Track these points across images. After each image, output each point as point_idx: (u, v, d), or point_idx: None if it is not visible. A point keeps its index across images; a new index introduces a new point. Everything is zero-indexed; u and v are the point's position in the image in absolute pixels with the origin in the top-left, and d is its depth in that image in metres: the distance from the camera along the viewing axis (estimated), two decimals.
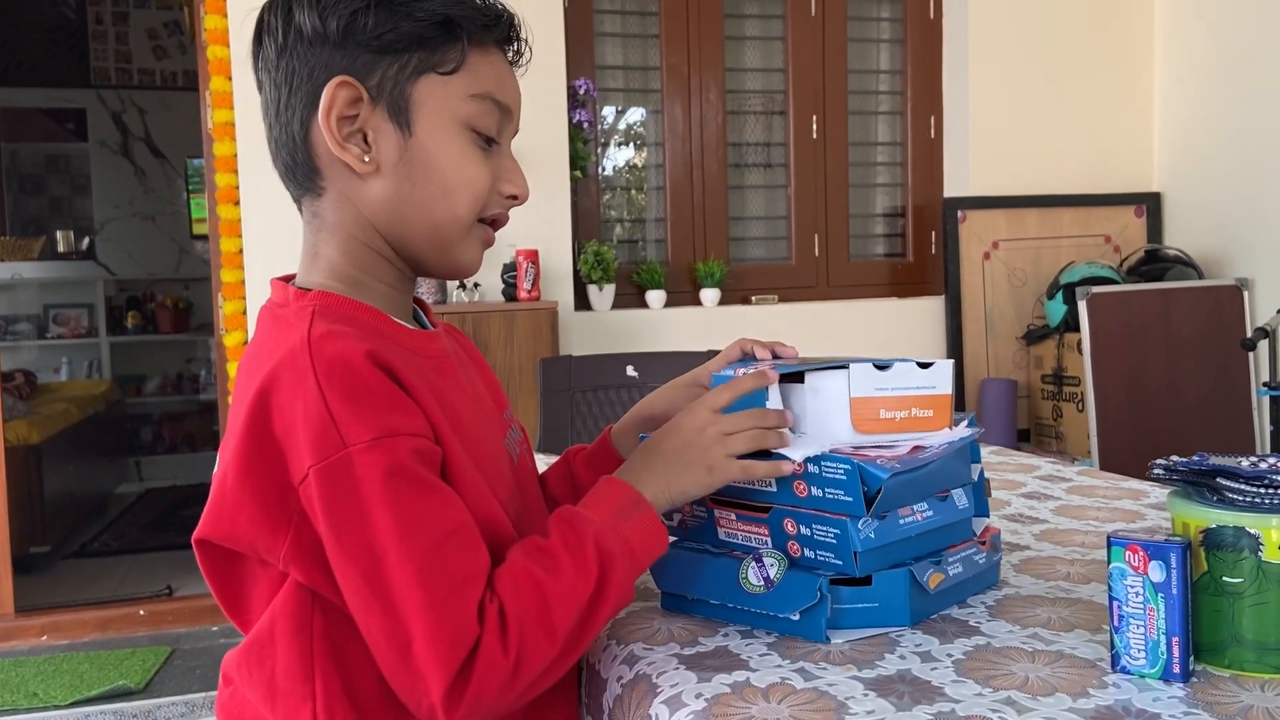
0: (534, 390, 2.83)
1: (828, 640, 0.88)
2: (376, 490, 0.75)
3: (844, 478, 0.87)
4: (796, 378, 0.95)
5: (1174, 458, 0.87)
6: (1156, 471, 0.86)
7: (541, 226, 3.33)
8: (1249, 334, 3.16)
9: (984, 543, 1.00)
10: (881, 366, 0.94)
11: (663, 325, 3.51)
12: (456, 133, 0.88)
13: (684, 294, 3.65)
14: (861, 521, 0.88)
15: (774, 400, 0.94)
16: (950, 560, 0.94)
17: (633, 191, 3.75)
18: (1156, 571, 0.78)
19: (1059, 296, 3.51)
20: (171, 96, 5.98)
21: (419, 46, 0.86)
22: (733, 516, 0.96)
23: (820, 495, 0.89)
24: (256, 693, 0.85)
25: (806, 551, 0.91)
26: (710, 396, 0.94)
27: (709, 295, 3.59)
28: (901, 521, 0.91)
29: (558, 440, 2.48)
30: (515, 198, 0.93)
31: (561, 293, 3.40)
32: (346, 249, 0.90)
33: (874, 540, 0.88)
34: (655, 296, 3.55)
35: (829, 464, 0.88)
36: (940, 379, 0.95)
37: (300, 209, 0.93)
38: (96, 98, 5.94)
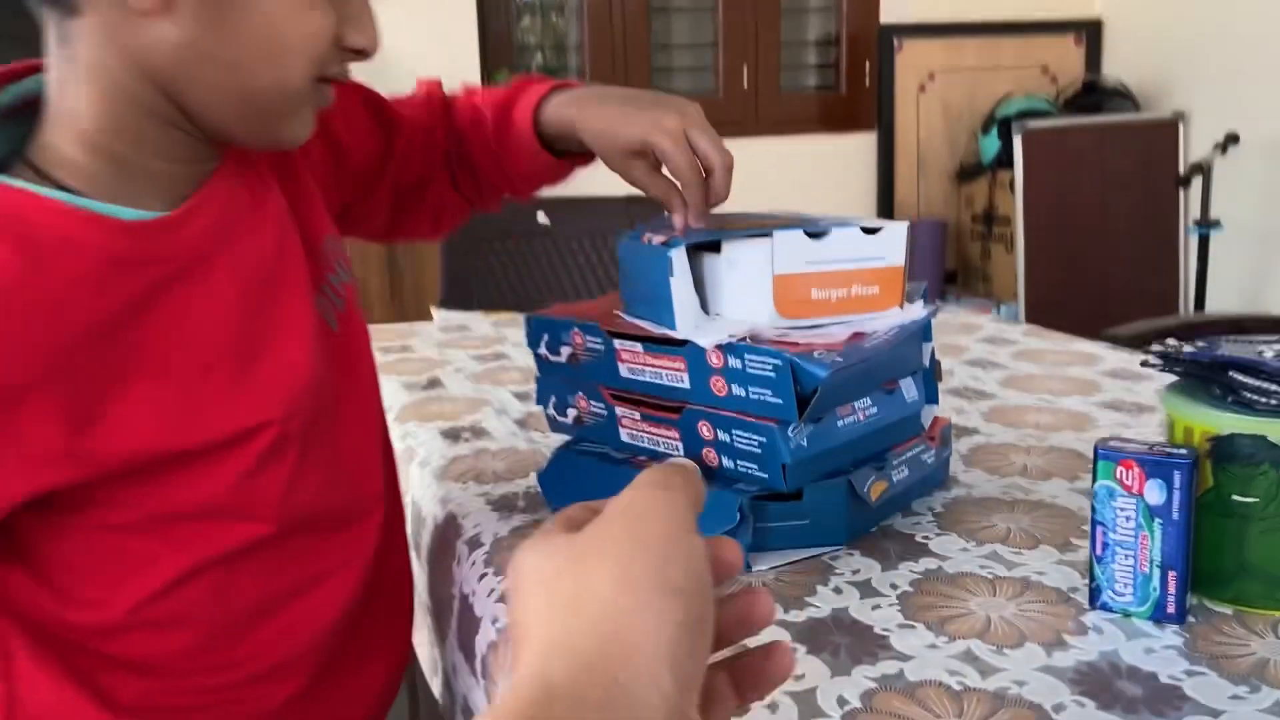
0: None
1: (749, 568, 0.73)
2: None
3: (773, 375, 0.70)
4: (713, 247, 0.77)
5: (1172, 341, 0.71)
6: (1153, 360, 0.70)
7: (444, 52, 3.06)
8: (1182, 170, 3.07)
9: (933, 438, 0.84)
10: (815, 234, 0.75)
11: None
12: None
13: None
14: (792, 428, 0.71)
15: (681, 274, 0.75)
16: (895, 464, 0.79)
17: (552, 14, 3.44)
18: (1154, 493, 0.63)
19: (994, 132, 3.39)
20: None
21: None
22: (637, 416, 0.79)
23: (743, 395, 0.72)
24: None
25: (725, 461, 0.74)
26: None
27: None
28: (840, 424, 0.74)
29: (462, 293, 2.28)
30: (362, 52, 0.68)
31: None
32: (107, 107, 0.64)
33: (806, 449, 0.72)
34: None
35: (754, 358, 0.70)
36: (890, 248, 0.77)
37: (42, 22, 0.65)
38: None
